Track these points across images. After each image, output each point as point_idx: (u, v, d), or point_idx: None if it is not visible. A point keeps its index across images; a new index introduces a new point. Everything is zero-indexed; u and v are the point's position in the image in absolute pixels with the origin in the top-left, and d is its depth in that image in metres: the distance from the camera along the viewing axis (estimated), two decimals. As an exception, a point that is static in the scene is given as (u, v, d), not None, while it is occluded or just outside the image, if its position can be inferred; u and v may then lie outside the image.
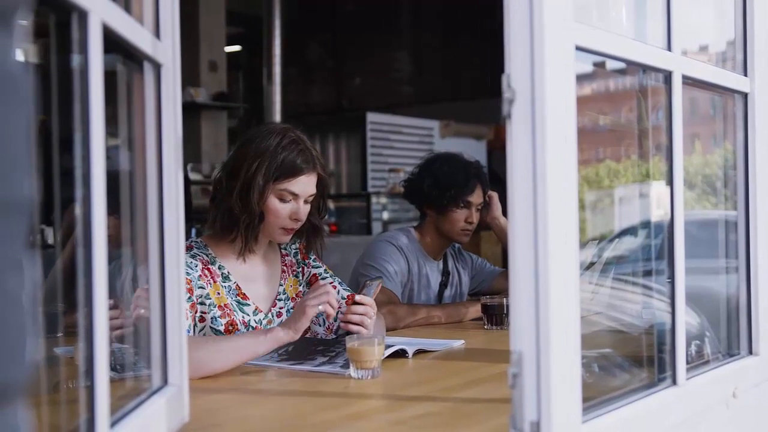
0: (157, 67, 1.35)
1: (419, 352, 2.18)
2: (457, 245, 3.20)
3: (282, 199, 2.19)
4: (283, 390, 1.80)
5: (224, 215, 2.20)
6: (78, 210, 1.01)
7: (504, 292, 2.95)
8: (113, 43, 1.12)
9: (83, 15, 0.99)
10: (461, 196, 2.99)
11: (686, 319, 1.57)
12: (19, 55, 0.59)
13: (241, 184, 2.16)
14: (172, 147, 1.38)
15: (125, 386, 1.42)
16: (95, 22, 1.01)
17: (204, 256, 2.20)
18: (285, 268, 2.38)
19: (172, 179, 1.37)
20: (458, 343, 2.35)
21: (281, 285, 2.34)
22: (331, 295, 2.01)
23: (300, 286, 2.39)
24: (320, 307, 1.98)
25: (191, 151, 7.13)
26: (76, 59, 1.02)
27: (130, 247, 1.41)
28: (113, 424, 1.10)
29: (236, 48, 10.21)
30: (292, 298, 2.35)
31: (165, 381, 1.37)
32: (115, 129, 1.31)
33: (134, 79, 1.34)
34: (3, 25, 0.56)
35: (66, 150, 1.04)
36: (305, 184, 2.21)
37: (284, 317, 2.29)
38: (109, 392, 1.04)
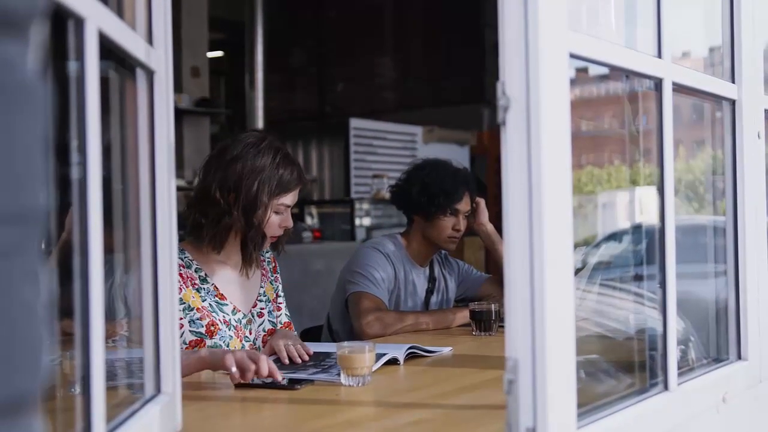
0: (150, 74, 1.34)
1: (411, 357, 2.19)
2: (443, 251, 3.21)
3: (277, 212, 2.29)
4: (275, 398, 1.80)
5: (224, 231, 2.25)
6: (74, 217, 1.00)
7: (491, 297, 2.96)
8: (106, 49, 1.11)
9: (80, 22, 0.99)
10: (449, 204, 2.98)
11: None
12: (34, 65, 0.58)
13: (244, 204, 2.23)
14: (165, 153, 1.37)
15: (117, 394, 1.42)
16: (92, 29, 1.00)
17: (179, 260, 2.22)
18: (264, 272, 2.47)
19: (164, 186, 1.37)
20: (447, 350, 2.36)
21: (262, 287, 2.43)
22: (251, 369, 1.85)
23: (274, 292, 2.49)
24: (233, 369, 1.82)
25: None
26: (71, 66, 1.01)
27: (122, 254, 1.40)
28: (108, 433, 1.09)
29: (219, 53, 10.19)
30: (272, 300, 2.45)
31: (158, 389, 1.36)
32: (107, 135, 1.31)
33: (126, 86, 1.33)
34: (18, 34, 0.56)
35: (60, 157, 1.04)
36: (296, 195, 2.34)
37: (265, 317, 2.39)
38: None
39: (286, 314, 2.52)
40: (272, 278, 2.50)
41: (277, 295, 2.51)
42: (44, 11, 0.60)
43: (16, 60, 0.56)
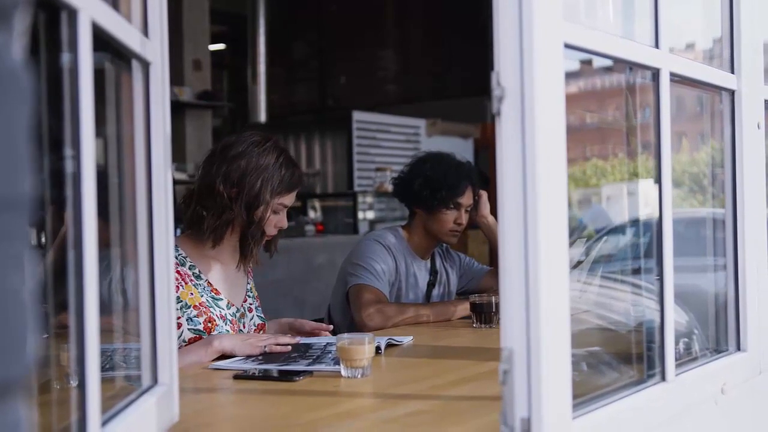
0: (145, 65, 1.34)
1: (389, 346, 2.24)
2: (445, 244, 3.20)
3: (275, 212, 2.33)
4: (274, 389, 1.80)
5: (225, 225, 2.29)
6: (68, 211, 1.01)
7: (492, 290, 2.96)
8: (101, 41, 1.11)
9: (73, 13, 0.99)
10: (452, 198, 2.98)
11: (674, 317, 1.57)
12: (19, 54, 0.59)
13: (246, 200, 2.26)
14: (161, 146, 1.37)
15: (113, 385, 1.42)
16: (85, 20, 1.00)
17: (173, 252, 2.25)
18: (249, 270, 2.51)
19: (161, 178, 1.37)
20: (408, 339, 2.39)
21: (249, 284, 2.49)
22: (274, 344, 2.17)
23: (256, 290, 2.54)
24: (266, 348, 2.13)
25: (175, 151, 7.07)
26: (65, 57, 1.01)
27: (119, 247, 1.40)
28: (104, 423, 1.09)
29: (221, 46, 10.19)
30: (256, 297, 2.51)
31: (155, 380, 1.37)
32: (103, 128, 1.31)
33: (122, 78, 1.33)
34: (2, 24, 0.56)
35: (52, 150, 1.04)
36: (294, 197, 2.39)
37: (254, 312, 2.45)
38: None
39: (259, 316, 2.54)
40: (252, 277, 2.55)
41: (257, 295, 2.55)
42: (28, 0, 0.61)
43: (0, 49, 0.56)
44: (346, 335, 1.96)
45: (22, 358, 0.58)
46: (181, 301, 2.23)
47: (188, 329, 2.23)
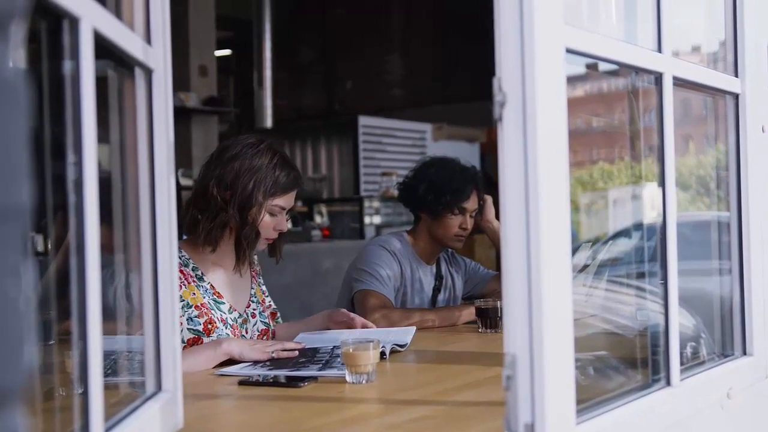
0: (148, 72, 1.35)
1: (393, 352, 2.23)
2: (450, 249, 3.20)
3: (271, 214, 2.33)
4: (278, 395, 1.80)
5: (219, 228, 2.28)
6: (71, 217, 1.01)
7: (497, 295, 2.95)
8: (104, 48, 1.12)
9: (74, 21, 0.99)
10: (456, 203, 2.98)
11: (681, 321, 1.57)
12: (16, 62, 0.59)
13: (239, 201, 2.26)
14: (164, 153, 1.38)
15: (117, 392, 1.42)
16: (86, 28, 1.01)
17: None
18: (254, 274, 2.51)
19: (164, 185, 1.37)
20: (411, 330, 2.43)
21: (252, 289, 2.47)
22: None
23: (263, 294, 2.53)
24: (273, 354, 2.13)
25: (182, 157, 7.11)
26: (67, 65, 1.02)
27: (123, 254, 1.41)
28: (107, 430, 1.10)
29: (226, 52, 10.20)
30: (261, 302, 2.49)
31: (159, 387, 1.37)
32: (106, 135, 1.31)
33: (125, 85, 1.34)
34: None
35: (57, 157, 1.04)
36: (292, 199, 2.37)
37: (258, 318, 2.44)
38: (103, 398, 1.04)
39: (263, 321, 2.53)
40: (259, 281, 2.54)
41: (265, 295, 2.54)
42: (24, 10, 0.61)
43: (-2, 58, 0.56)
44: (350, 340, 1.95)
45: (19, 367, 0.58)
46: (183, 300, 2.23)
47: (188, 329, 2.23)
